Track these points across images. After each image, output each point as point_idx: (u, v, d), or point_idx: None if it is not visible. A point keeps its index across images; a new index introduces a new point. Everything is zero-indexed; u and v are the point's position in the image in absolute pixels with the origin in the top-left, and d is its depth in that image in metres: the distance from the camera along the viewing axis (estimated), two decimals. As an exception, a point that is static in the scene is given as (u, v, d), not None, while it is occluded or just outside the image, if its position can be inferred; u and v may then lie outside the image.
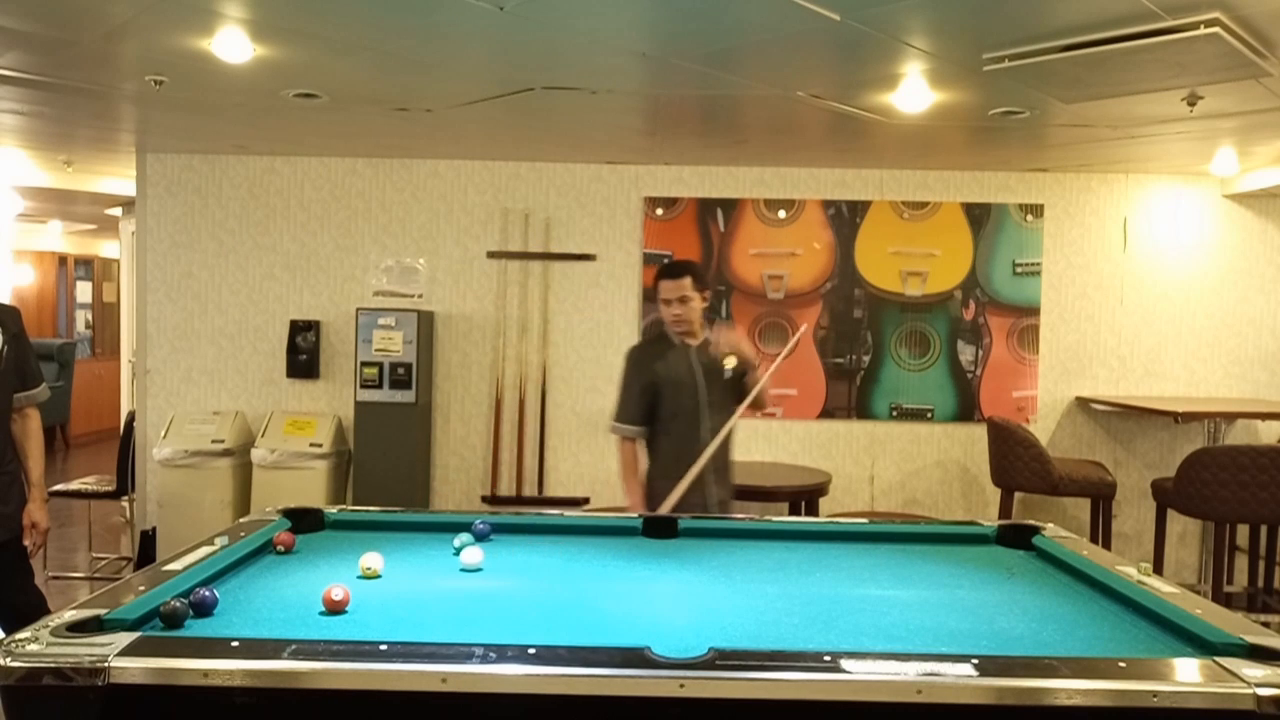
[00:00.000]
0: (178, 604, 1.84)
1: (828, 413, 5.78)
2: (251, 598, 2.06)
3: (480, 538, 2.58)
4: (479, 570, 2.34)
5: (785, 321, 5.75)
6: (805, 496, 4.94)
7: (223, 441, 5.48)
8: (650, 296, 5.73)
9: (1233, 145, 4.84)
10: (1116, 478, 5.27)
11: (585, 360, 5.80)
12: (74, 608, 1.80)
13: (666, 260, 3.70)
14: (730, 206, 5.75)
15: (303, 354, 5.72)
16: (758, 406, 3.61)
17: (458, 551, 2.43)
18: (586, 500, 5.76)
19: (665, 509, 3.28)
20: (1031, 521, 2.84)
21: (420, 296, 5.77)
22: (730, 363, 3.52)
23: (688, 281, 3.50)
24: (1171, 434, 5.76)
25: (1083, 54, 3.14)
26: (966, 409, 5.78)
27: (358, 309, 5.48)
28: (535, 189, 5.78)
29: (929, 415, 5.77)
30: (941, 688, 1.56)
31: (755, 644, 1.79)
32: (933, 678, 1.57)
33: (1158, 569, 4.60)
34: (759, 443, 5.78)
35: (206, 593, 1.91)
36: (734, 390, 3.54)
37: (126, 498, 5.85)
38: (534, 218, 5.77)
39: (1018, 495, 5.35)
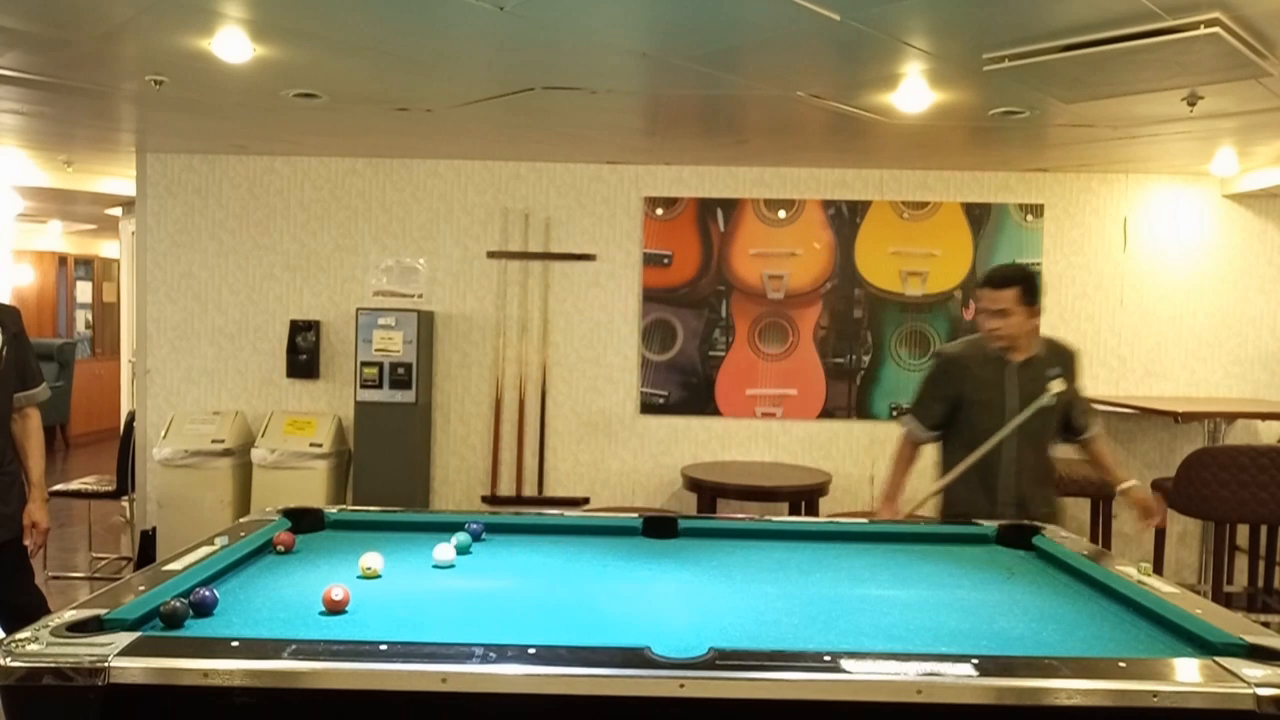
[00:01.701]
0: (178, 604, 1.84)
1: (828, 413, 5.78)
2: (251, 598, 2.06)
3: (474, 537, 2.59)
4: (451, 567, 2.35)
5: (785, 322, 5.75)
6: (805, 496, 4.95)
7: (223, 441, 5.48)
8: (650, 296, 5.75)
9: (1233, 145, 4.83)
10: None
11: (585, 360, 5.80)
12: (74, 608, 1.79)
13: (1004, 271, 3.26)
14: (730, 206, 5.75)
15: (303, 354, 5.72)
16: (1078, 444, 3.32)
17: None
18: (586, 500, 5.76)
19: (891, 515, 3.19)
20: (1031, 521, 2.84)
21: (420, 296, 5.77)
22: (1057, 386, 3.11)
23: (1011, 294, 3.08)
24: (1171, 434, 5.76)
25: (1083, 54, 3.14)
26: (966, 409, 5.77)
27: (358, 309, 5.48)
28: (535, 189, 5.78)
29: (929, 415, 5.76)
30: (941, 688, 1.56)
31: (755, 644, 1.79)
32: (933, 678, 1.57)
33: (1158, 569, 4.60)
34: (759, 443, 5.78)
35: (206, 593, 1.91)
36: (1056, 419, 3.15)
37: (126, 498, 5.85)
38: (534, 218, 5.77)
39: (1018, 495, 5.33)
